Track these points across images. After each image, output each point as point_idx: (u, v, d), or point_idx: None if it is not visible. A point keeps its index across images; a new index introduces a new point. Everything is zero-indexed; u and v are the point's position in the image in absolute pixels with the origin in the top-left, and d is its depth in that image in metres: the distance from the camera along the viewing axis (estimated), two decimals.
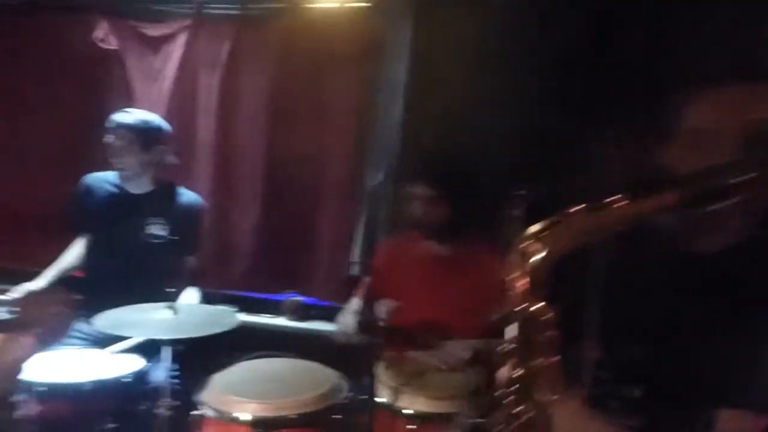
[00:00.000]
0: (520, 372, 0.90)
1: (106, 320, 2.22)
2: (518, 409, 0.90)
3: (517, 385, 0.90)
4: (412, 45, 2.89)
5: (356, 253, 3.07)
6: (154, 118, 2.78)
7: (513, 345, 0.89)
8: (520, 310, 0.88)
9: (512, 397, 0.91)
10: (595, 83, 2.52)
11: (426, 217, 2.42)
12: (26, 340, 2.26)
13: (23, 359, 1.57)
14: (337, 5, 2.98)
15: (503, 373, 0.92)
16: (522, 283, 0.87)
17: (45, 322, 1.56)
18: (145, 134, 2.71)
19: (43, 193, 3.17)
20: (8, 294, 2.77)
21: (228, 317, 2.34)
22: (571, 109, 2.54)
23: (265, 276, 3.21)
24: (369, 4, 2.98)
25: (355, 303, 2.59)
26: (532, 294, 0.87)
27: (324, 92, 3.02)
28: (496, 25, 2.69)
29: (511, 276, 0.88)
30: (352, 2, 2.99)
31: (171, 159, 2.85)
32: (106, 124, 2.73)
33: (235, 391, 1.99)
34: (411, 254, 2.55)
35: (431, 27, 2.84)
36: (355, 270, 3.05)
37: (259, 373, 2.16)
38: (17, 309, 2.41)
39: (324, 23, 2.98)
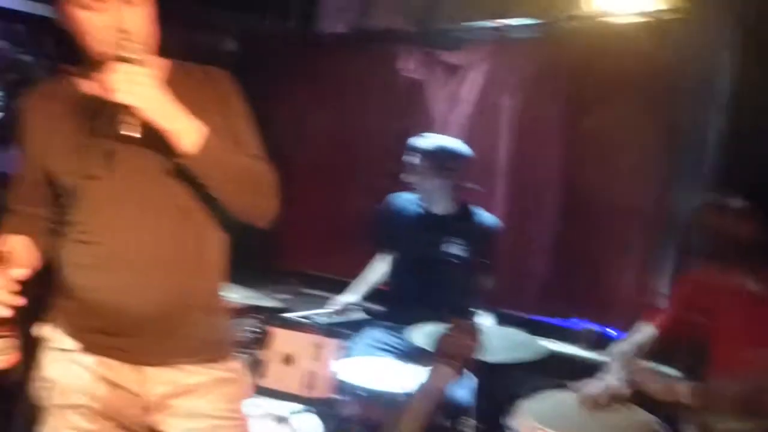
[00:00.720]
0: None
1: (419, 334, 2.32)
2: None
3: None
4: (736, 55, 2.60)
5: (661, 283, 2.84)
6: (451, 143, 2.87)
7: None
8: None
9: None
10: None
11: (741, 238, 2.11)
12: (337, 344, 2.48)
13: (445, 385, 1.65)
14: (647, 19, 2.81)
15: None
16: None
17: (462, 353, 1.64)
18: (440, 159, 2.80)
19: (357, 209, 3.47)
20: (328, 304, 3.11)
21: (536, 345, 2.30)
22: None
23: (559, 301, 3.12)
24: (683, 16, 2.76)
25: (641, 331, 2.38)
26: None
27: (629, 111, 2.85)
28: None
29: None
30: (665, 15, 2.79)
31: (469, 183, 2.92)
32: (407, 148, 2.89)
33: (549, 424, 1.93)
34: (723, 289, 2.25)
35: (759, 34, 2.53)
36: (660, 301, 2.81)
37: (569, 406, 2.07)
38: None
39: (632, 38, 2.82)
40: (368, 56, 3.53)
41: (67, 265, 1.42)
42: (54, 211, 1.46)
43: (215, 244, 1.50)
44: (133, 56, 1.27)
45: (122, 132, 1.26)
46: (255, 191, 1.42)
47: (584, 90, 2.97)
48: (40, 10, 3.52)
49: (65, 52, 2.73)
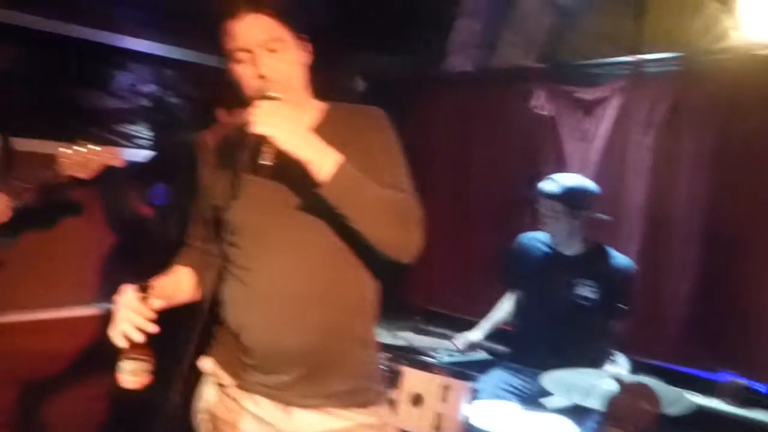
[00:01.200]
0: None
1: (552, 380, 2.24)
2: None
3: None
4: None
5: None
6: (580, 183, 2.78)
7: None
8: None
9: None
10: None
11: None
12: (465, 386, 2.43)
13: None
14: None
15: None
16: None
17: (639, 420, 1.56)
18: (570, 202, 2.72)
19: (483, 247, 3.42)
20: (452, 341, 3.08)
21: (682, 398, 2.14)
22: None
23: (698, 350, 2.90)
24: None
25: None
26: None
27: None
28: None
29: None
30: None
31: (601, 218, 2.82)
32: (535, 192, 2.82)
33: None
34: None
35: None
36: None
37: None
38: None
39: None
40: (497, 94, 3.50)
41: (224, 300, 1.49)
42: (219, 248, 1.53)
43: (366, 281, 1.50)
44: (272, 94, 1.34)
45: (261, 162, 1.31)
46: (396, 223, 1.38)
47: (727, 124, 2.79)
48: (186, 56, 3.81)
49: (212, 95, 2.93)
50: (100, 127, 3.43)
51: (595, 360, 2.60)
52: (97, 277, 3.49)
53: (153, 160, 3.15)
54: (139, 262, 3.08)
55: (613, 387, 2.16)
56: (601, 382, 2.20)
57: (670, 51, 2.94)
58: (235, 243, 1.46)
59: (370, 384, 1.52)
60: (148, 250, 3.02)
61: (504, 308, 3.10)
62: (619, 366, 2.66)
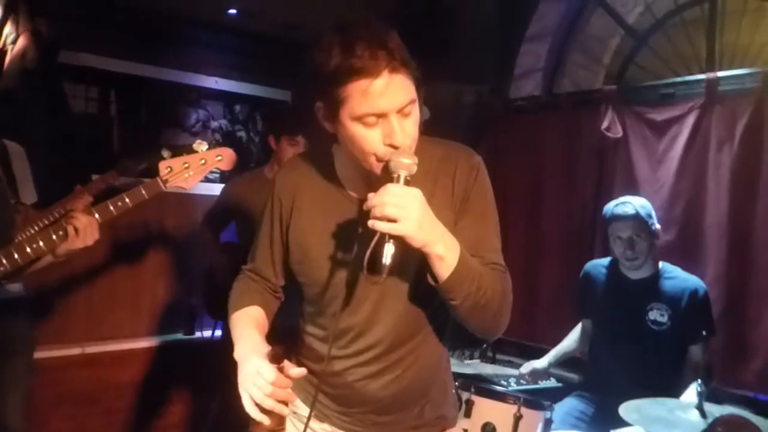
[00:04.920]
0: None
1: (630, 410, 2.15)
2: None
3: None
4: None
5: None
6: (646, 203, 2.69)
7: None
8: None
9: None
10: None
11: None
12: (537, 415, 2.36)
13: None
14: None
15: None
16: None
17: None
18: (649, 220, 2.64)
19: (555, 273, 3.35)
20: (519, 370, 3.01)
21: None
22: None
23: None
24: None
25: None
26: None
27: None
28: None
29: None
30: None
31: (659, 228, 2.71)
32: (607, 216, 2.72)
33: None
34: None
35: None
36: None
37: None
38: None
39: None
40: (566, 118, 3.43)
41: (306, 345, 1.48)
42: (284, 285, 1.52)
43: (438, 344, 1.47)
44: (402, 173, 1.17)
45: (382, 262, 1.14)
46: (495, 313, 1.29)
47: None
48: (254, 91, 3.94)
49: (277, 128, 2.99)
50: None
51: (674, 388, 2.48)
52: (174, 309, 3.63)
53: (225, 196, 3.20)
54: (214, 297, 3.14)
55: (698, 418, 2.06)
56: (684, 412, 2.10)
57: (746, 67, 2.84)
58: (327, 306, 1.41)
59: (449, 410, 1.51)
60: (222, 287, 3.07)
61: (573, 336, 3.01)
62: (697, 395, 2.53)
